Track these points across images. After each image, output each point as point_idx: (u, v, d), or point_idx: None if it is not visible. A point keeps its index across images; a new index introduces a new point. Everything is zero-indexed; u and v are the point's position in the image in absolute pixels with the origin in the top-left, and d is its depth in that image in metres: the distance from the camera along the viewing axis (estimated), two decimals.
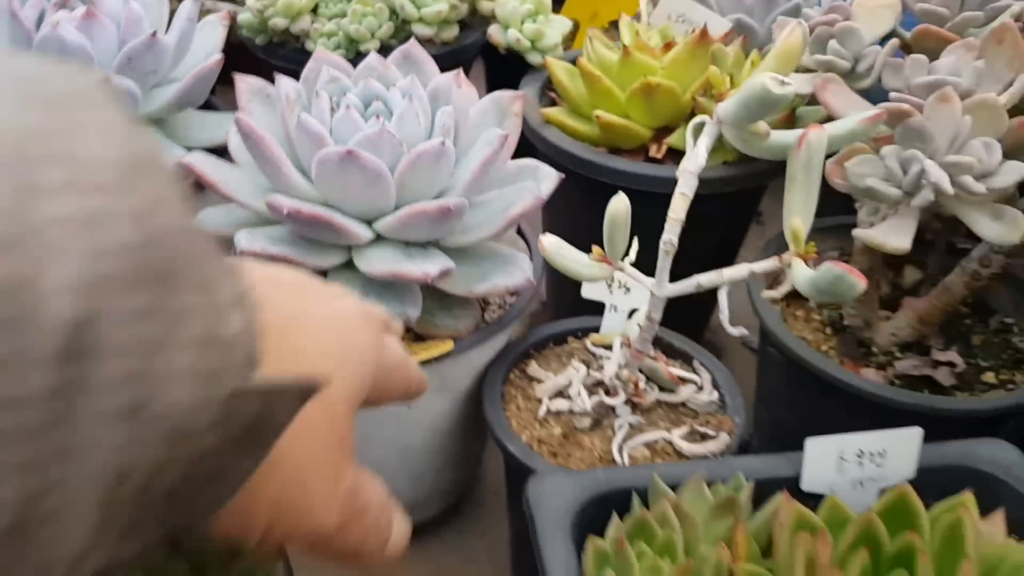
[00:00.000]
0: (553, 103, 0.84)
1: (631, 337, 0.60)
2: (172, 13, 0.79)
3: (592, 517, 0.51)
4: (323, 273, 0.61)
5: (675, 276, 0.55)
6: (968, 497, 0.47)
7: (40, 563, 0.17)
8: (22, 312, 0.16)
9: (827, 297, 0.47)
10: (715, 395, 0.65)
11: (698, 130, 0.53)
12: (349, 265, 0.60)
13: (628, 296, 0.67)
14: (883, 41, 0.65)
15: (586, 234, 0.57)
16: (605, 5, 1.04)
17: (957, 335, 0.72)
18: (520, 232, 0.72)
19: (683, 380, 0.65)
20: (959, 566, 0.40)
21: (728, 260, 0.86)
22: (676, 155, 0.77)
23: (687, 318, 0.77)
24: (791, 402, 0.73)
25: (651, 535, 0.45)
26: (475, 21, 0.90)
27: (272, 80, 0.65)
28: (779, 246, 0.74)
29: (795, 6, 0.90)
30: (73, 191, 0.17)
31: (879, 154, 0.55)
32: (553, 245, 0.56)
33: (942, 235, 0.72)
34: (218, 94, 0.85)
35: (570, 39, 0.93)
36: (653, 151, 0.78)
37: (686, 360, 0.68)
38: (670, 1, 0.88)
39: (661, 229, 0.53)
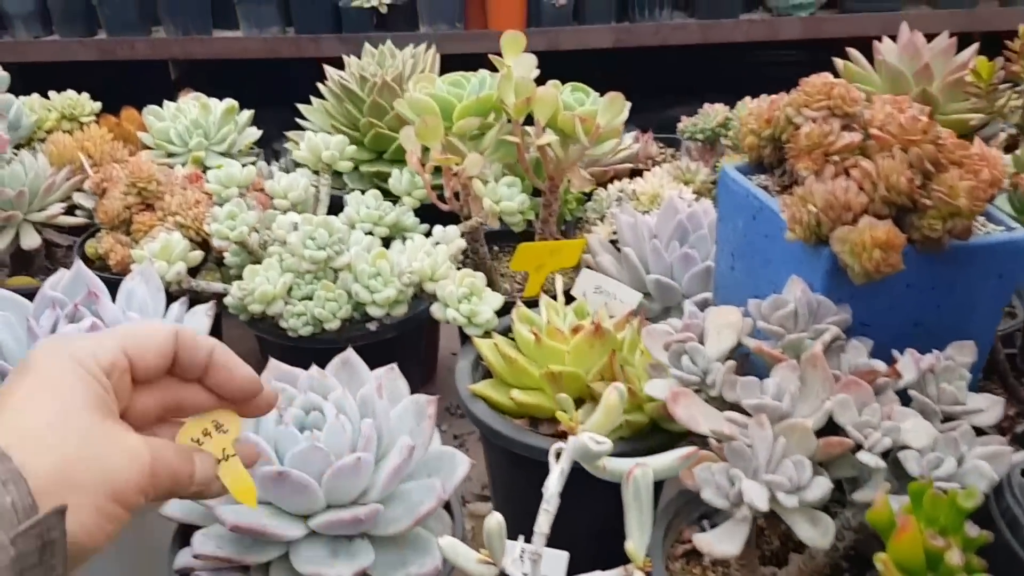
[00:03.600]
0: (488, 371, 0.97)
1: None
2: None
3: None
4: (266, 565, 0.73)
5: None
6: None
7: None
8: None
9: None
10: None
11: (558, 453, 0.65)
12: (285, 558, 0.72)
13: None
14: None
15: (507, 492, 0.67)
16: (549, 258, 1.20)
17: None
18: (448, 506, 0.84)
19: None
20: None
21: None
22: None
23: None
24: None
25: None
26: (425, 294, 1.05)
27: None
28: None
29: (705, 268, 1.04)
30: None
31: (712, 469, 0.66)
32: (449, 546, 0.67)
33: None
34: None
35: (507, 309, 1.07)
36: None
37: None
38: (587, 276, 1.03)
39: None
